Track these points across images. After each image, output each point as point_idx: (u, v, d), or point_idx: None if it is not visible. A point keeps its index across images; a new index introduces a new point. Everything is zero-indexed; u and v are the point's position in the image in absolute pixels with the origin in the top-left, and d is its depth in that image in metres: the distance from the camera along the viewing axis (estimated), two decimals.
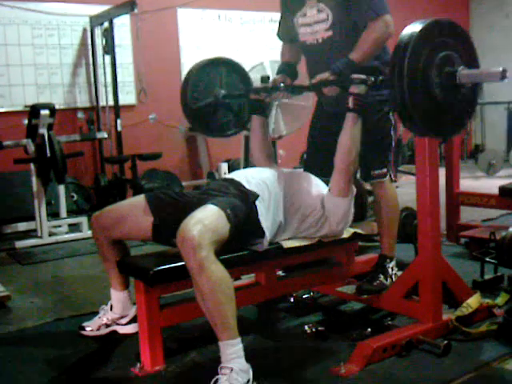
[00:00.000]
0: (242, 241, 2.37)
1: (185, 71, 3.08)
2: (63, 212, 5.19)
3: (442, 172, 2.72)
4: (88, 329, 2.69)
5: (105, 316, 2.68)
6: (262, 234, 2.37)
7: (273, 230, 2.46)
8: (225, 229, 2.19)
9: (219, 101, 2.95)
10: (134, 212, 2.49)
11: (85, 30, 6.21)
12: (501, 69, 2.06)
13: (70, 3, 6.10)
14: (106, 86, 6.16)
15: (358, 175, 2.87)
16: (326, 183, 2.61)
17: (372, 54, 2.61)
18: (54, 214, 5.17)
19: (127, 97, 6.41)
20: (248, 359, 2.09)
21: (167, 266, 2.27)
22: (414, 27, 2.11)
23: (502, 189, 3.91)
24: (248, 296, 2.67)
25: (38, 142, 4.71)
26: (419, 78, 2.09)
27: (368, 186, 2.94)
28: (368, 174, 2.82)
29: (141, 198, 2.53)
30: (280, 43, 3.04)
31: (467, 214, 4.54)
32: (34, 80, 5.96)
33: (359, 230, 2.77)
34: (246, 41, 7.21)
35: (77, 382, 2.32)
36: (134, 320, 2.59)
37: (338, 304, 3.00)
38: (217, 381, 2.03)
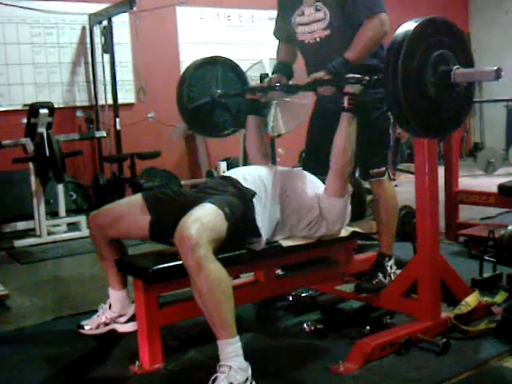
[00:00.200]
0: (239, 240, 2.36)
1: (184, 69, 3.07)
2: (62, 211, 5.19)
3: (440, 170, 2.72)
4: (87, 327, 2.69)
5: (103, 315, 2.68)
6: (258, 233, 2.37)
7: (270, 229, 2.45)
8: (223, 227, 2.19)
9: (215, 100, 2.94)
10: (131, 211, 2.49)
11: (84, 29, 6.21)
12: (495, 68, 2.05)
13: (69, 2, 6.11)
14: (104, 85, 6.17)
15: (357, 174, 2.87)
16: (324, 182, 2.61)
17: (367, 53, 2.60)
18: (52, 213, 5.18)
19: (126, 95, 6.42)
20: (247, 357, 2.09)
21: (166, 265, 2.27)
22: (408, 26, 2.09)
23: (501, 187, 3.91)
24: (247, 294, 2.67)
25: (36, 141, 4.71)
26: (413, 77, 2.07)
27: (367, 185, 2.94)
28: (367, 173, 2.81)
29: (138, 197, 2.53)
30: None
31: (466, 213, 4.54)
32: (33, 79, 5.96)
33: (358, 229, 2.77)
34: (245, 39, 7.21)
35: (76, 381, 2.32)
36: (132, 318, 2.59)
37: (336, 302, 3.00)
38: (215, 379, 2.03)
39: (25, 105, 5.58)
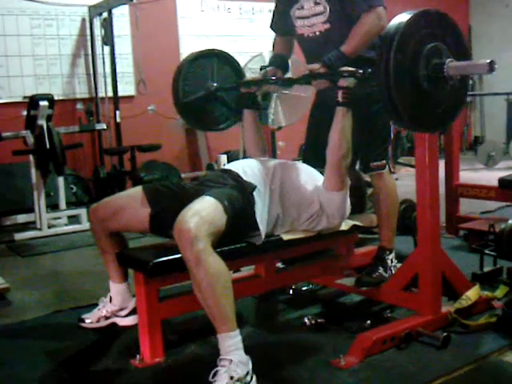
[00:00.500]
0: (238, 233, 2.36)
1: None
2: (62, 204, 5.18)
3: (441, 164, 2.71)
4: (87, 321, 2.69)
5: (104, 308, 2.68)
6: (257, 226, 2.36)
7: (269, 223, 2.45)
8: (222, 220, 2.18)
9: (211, 94, 2.93)
10: (131, 204, 2.49)
11: (83, 21, 6.18)
12: (488, 61, 2.02)
13: None
14: (105, 77, 6.15)
15: (358, 167, 2.86)
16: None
17: (363, 46, 2.59)
18: (53, 206, 5.17)
19: (126, 88, 6.40)
20: (247, 351, 2.09)
21: (167, 258, 2.27)
22: (401, 18, 2.06)
23: (502, 181, 3.91)
24: (247, 288, 2.68)
25: (37, 133, 4.70)
26: (406, 70, 2.04)
27: (367, 178, 2.93)
28: (367, 166, 2.81)
29: (138, 190, 2.53)
30: None
31: (466, 207, 4.53)
32: (33, 71, 5.94)
33: (358, 223, 2.76)
34: (245, 31, 7.18)
35: (76, 374, 2.32)
36: (133, 312, 2.59)
37: (337, 296, 3.00)
38: (216, 373, 2.03)
39: (25, 97, 5.57)
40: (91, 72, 6.20)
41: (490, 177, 5.45)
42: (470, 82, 8.85)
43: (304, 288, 3.08)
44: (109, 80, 6.09)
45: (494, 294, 2.76)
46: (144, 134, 6.28)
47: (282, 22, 2.91)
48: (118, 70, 5.99)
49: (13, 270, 3.82)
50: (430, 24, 2.12)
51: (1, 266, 3.88)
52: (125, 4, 5.86)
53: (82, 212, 4.96)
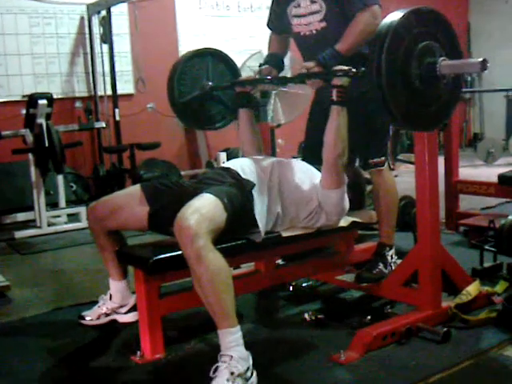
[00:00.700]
0: (238, 230, 2.36)
1: None
2: (62, 202, 5.19)
3: (440, 161, 2.72)
4: (88, 318, 2.69)
5: (104, 305, 2.68)
6: (256, 224, 2.36)
7: (269, 221, 2.45)
8: (221, 218, 2.18)
9: (207, 93, 2.92)
10: (129, 202, 2.49)
11: (82, 19, 6.16)
12: (480, 59, 2.01)
13: None
14: (103, 76, 6.14)
15: (357, 163, 2.86)
16: None
17: (358, 45, 2.59)
18: (52, 204, 5.17)
19: (125, 86, 6.39)
20: (247, 347, 2.10)
21: (167, 255, 2.27)
22: (393, 16, 2.04)
23: (501, 177, 3.91)
24: (247, 284, 2.68)
25: (36, 131, 4.70)
26: (398, 69, 2.02)
27: (366, 175, 2.93)
28: (366, 163, 2.81)
29: (137, 188, 2.53)
30: None
31: (466, 203, 4.54)
32: (32, 69, 5.93)
33: (358, 219, 2.77)
34: (244, 29, 7.18)
35: (77, 371, 2.33)
36: (133, 309, 2.59)
37: (337, 292, 3.00)
38: (217, 368, 2.03)
39: (24, 95, 5.56)
40: (90, 70, 6.19)
41: (489, 173, 5.45)
42: (469, 78, 8.87)
43: (304, 284, 3.08)
44: (108, 78, 6.08)
45: (494, 289, 2.76)
46: (143, 132, 6.28)
47: (278, 21, 2.91)
48: (116, 69, 5.98)
49: (13, 268, 3.83)
50: (422, 22, 2.09)
51: (1, 264, 3.88)
52: (123, 2, 5.85)
53: (82, 210, 4.95)
